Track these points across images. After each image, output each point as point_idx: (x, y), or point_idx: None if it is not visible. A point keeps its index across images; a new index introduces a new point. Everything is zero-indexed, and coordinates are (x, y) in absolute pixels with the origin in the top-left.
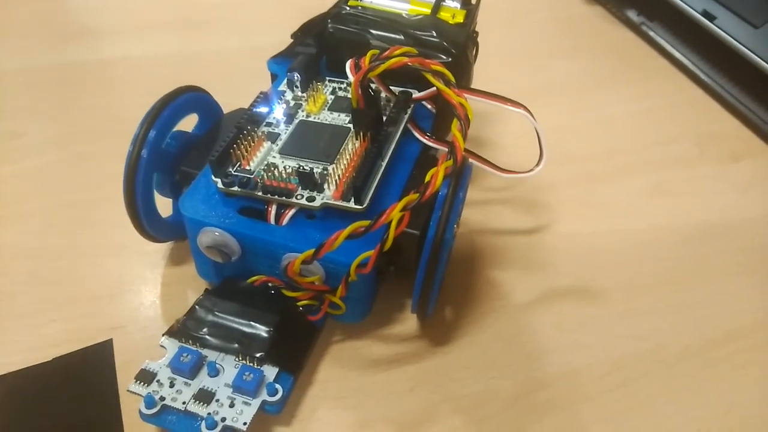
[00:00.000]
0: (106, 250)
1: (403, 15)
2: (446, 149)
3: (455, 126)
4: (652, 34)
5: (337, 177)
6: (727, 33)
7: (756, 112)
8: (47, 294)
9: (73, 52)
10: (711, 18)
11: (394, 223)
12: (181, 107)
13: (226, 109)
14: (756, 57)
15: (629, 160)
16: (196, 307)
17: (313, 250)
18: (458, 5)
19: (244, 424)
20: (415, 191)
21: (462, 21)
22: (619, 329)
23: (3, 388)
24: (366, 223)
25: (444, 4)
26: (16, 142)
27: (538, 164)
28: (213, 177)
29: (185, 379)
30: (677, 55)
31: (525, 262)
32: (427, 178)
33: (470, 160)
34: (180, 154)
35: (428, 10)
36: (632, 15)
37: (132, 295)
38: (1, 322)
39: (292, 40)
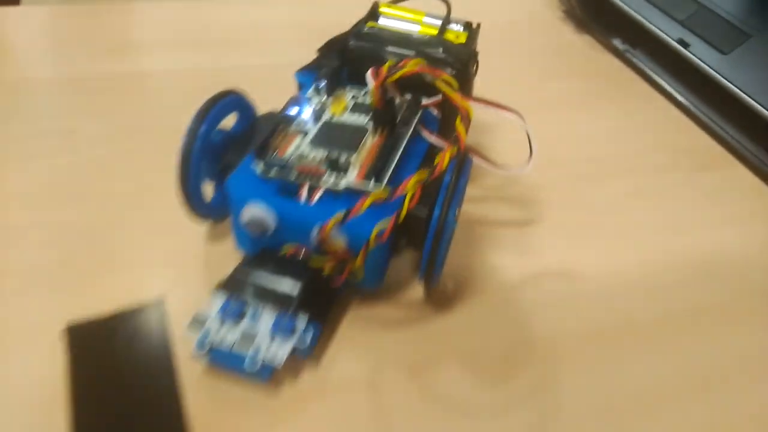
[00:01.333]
0: (154, 227)
1: (414, 35)
2: (445, 147)
3: (459, 122)
4: (635, 60)
5: (359, 164)
6: (699, 59)
7: (725, 128)
8: (104, 260)
9: (117, 63)
10: (686, 45)
11: (408, 195)
12: (226, 106)
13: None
14: (724, 80)
15: (611, 166)
16: (239, 268)
17: (343, 213)
18: (461, 29)
19: (279, 362)
20: (421, 174)
21: (464, 41)
22: (597, 303)
23: (69, 339)
24: (386, 192)
25: (449, 27)
26: (72, 137)
27: (528, 162)
28: (255, 163)
29: (230, 325)
30: (656, 78)
31: (517, 248)
32: (436, 162)
33: (470, 155)
34: (223, 146)
35: (435, 32)
36: (618, 43)
37: (179, 264)
38: (62, 282)
39: (314, 57)
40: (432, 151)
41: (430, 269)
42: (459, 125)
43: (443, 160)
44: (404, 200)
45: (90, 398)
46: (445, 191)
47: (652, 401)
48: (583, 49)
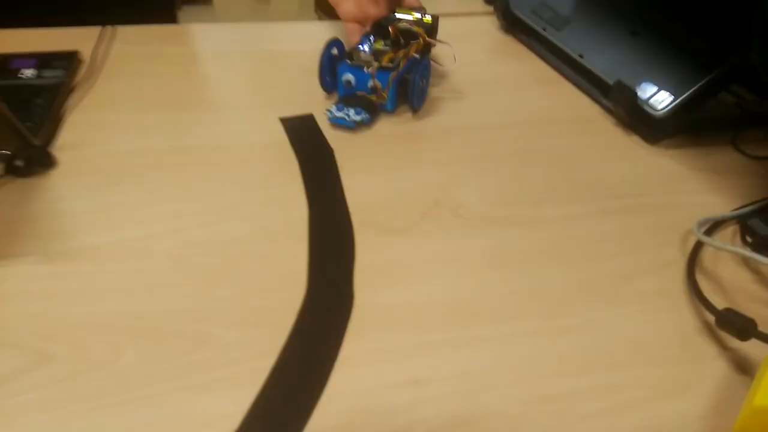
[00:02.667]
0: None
1: (410, 18)
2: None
3: (423, 37)
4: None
5: (385, 58)
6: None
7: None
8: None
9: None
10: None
11: (401, 57)
12: (333, 42)
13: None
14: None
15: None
16: (343, 96)
17: (377, 64)
18: (430, 18)
19: (355, 121)
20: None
21: (430, 21)
22: None
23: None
24: (390, 54)
25: (425, 17)
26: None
27: (454, 61)
28: (347, 60)
29: (342, 111)
30: (538, 52)
31: (426, 132)
32: (413, 46)
33: (428, 58)
34: (334, 59)
35: (418, 18)
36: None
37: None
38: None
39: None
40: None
41: (412, 95)
42: (423, 37)
43: (415, 47)
44: (399, 64)
45: None
46: (419, 66)
47: None
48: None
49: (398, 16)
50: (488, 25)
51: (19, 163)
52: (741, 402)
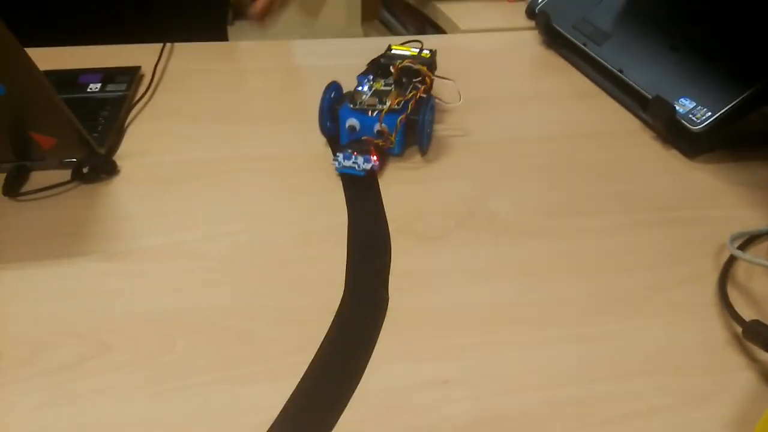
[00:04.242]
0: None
1: (408, 54)
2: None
3: (429, 77)
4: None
5: (389, 100)
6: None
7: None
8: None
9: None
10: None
11: (411, 104)
12: (332, 86)
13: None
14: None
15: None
16: (348, 143)
17: (385, 108)
18: (428, 52)
19: (365, 169)
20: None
21: (429, 56)
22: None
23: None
24: (400, 98)
25: (423, 51)
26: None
27: (459, 100)
28: (349, 104)
29: (347, 159)
30: (579, 66)
31: (465, 144)
32: (420, 89)
33: (433, 97)
34: (333, 102)
35: (416, 52)
36: (563, 53)
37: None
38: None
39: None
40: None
41: (421, 138)
42: (428, 79)
43: (423, 88)
44: (409, 107)
45: None
46: (425, 107)
47: None
48: (549, 58)
49: (395, 52)
50: (530, 39)
51: (85, 170)
52: None
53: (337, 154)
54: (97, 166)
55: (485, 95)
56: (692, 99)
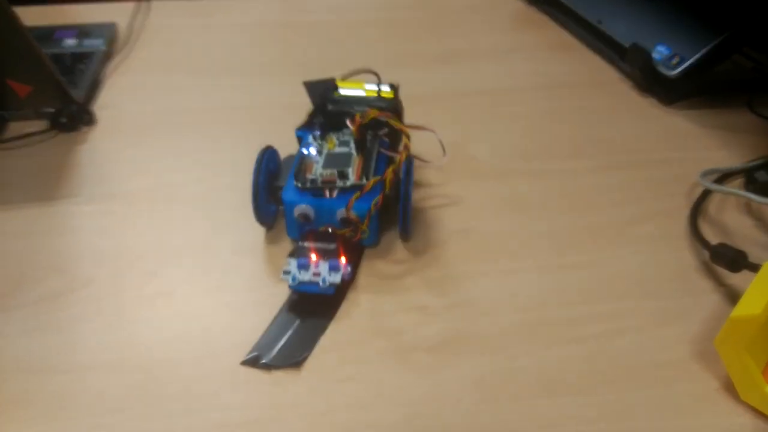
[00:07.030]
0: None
1: (363, 96)
2: (398, 154)
3: (406, 139)
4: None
5: (353, 171)
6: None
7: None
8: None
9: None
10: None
11: (387, 180)
12: (268, 155)
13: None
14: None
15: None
16: (298, 244)
17: (358, 193)
18: (388, 89)
19: (334, 284)
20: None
21: (393, 95)
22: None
23: None
24: (376, 178)
25: (381, 88)
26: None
27: (444, 157)
28: (294, 182)
29: (304, 269)
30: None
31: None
32: (397, 162)
33: (413, 157)
34: (270, 177)
35: (374, 92)
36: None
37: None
38: None
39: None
40: (389, 159)
41: (404, 223)
42: (406, 141)
43: (401, 156)
44: (385, 185)
45: None
46: (405, 173)
47: None
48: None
49: (345, 92)
50: None
51: (63, 119)
52: None
53: (288, 260)
54: (74, 115)
55: (465, 48)
56: (668, 46)
